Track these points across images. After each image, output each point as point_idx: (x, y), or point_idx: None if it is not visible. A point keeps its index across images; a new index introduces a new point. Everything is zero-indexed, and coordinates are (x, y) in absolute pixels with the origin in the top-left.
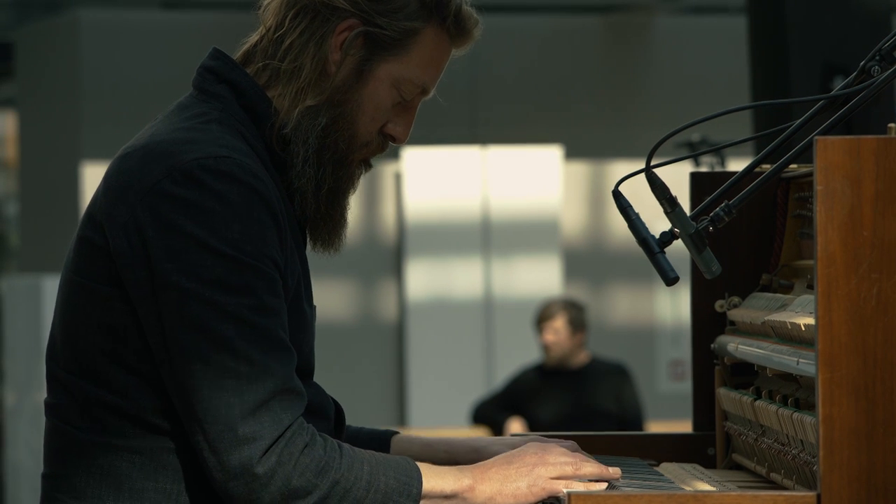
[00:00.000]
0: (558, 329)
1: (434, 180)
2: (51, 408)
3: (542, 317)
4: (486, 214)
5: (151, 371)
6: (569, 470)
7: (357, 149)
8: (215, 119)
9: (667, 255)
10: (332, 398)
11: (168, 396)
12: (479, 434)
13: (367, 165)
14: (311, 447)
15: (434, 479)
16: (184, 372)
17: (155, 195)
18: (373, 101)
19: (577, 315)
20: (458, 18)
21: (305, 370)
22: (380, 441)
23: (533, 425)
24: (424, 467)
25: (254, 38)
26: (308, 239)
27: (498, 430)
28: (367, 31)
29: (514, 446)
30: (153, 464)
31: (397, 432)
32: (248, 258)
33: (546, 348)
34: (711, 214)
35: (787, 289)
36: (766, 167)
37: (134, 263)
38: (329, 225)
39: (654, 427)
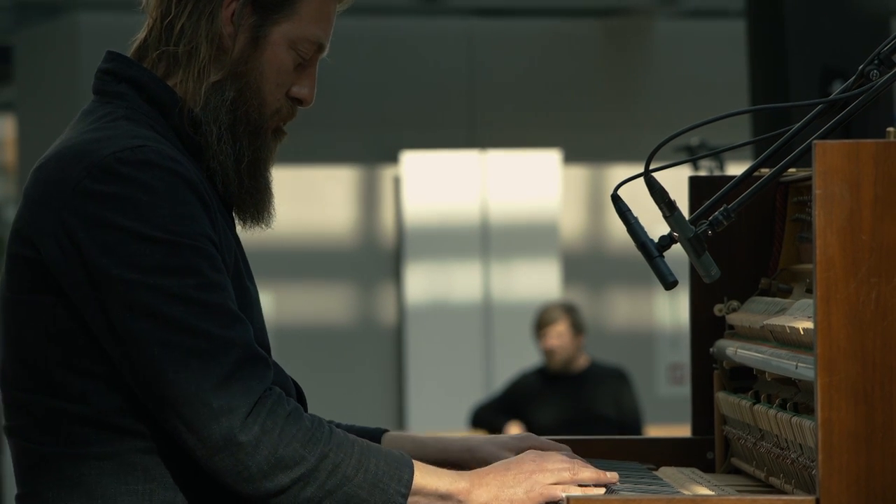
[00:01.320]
0: (562, 333)
1: (433, 184)
2: (11, 430)
3: (543, 322)
4: (485, 218)
5: (108, 372)
6: (566, 476)
7: (269, 117)
8: (122, 116)
9: (666, 259)
10: (291, 378)
11: (128, 394)
12: None
13: (282, 133)
14: (295, 417)
15: (430, 476)
16: (144, 361)
17: (78, 196)
18: (273, 66)
19: (577, 318)
20: None
21: (261, 347)
22: (370, 438)
23: (532, 429)
24: (421, 465)
25: (142, 33)
26: (237, 218)
27: (497, 434)
28: None
29: (506, 446)
30: (121, 467)
31: (387, 430)
32: (184, 239)
33: (550, 353)
34: (710, 218)
35: (785, 293)
36: (765, 171)
37: (70, 268)
38: (255, 198)
39: (653, 431)
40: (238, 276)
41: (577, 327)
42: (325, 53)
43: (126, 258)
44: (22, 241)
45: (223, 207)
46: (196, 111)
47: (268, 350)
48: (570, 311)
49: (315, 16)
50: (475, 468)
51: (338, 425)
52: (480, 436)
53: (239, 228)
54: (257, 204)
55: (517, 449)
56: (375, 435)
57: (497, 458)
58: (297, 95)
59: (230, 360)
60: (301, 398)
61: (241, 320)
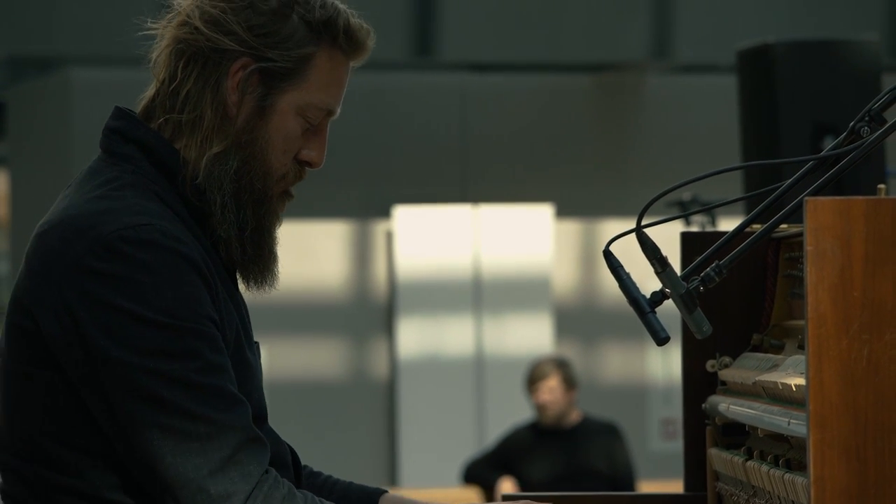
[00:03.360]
0: (553, 388)
1: (425, 239)
2: (8, 495)
3: (535, 377)
4: (477, 273)
5: (104, 449)
6: None
7: (274, 183)
8: (128, 183)
9: (658, 315)
10: (286, 443)
11: (123, 472)
12: (470, 493)
13: (289, 196)
14: (290, 500)
15: None
16: (143, 443)
17: (80, 273)
18: (280, 133)
19: (570, 373)
20: (348, 34)
21: (259, 415)
22: (368, 500)
23: (524, 485)
24: None
25: (150, 92)
26: (241, 280)
27: (489, 489)
28: (261, 66)
29: None
30: None
31: (386, 491)
32: (186, 322)
33: (542, 408)
34: (702, 274)
35: (777, 349)
36: (757, 227)
37: (69, 345)
38: (259, 265)
39: (646, 487)
40: (239, 349)
41: (570, 382)
42: (337, 115)
43: (126, 340)
44: (22, 311)
45: (225, 273)
46: (199, 179)
47: (265, 415)
48: (562, 365)
49: (326, 83)
50: None
51: (336, 481)
52: (477, 503)
53: (243, 289)
54: (261, 269)
55: None
56: (374, 495)
57: None
58: (305, 159)
59: (230, 444)
60: (296, 462)
61: (241, 402)
